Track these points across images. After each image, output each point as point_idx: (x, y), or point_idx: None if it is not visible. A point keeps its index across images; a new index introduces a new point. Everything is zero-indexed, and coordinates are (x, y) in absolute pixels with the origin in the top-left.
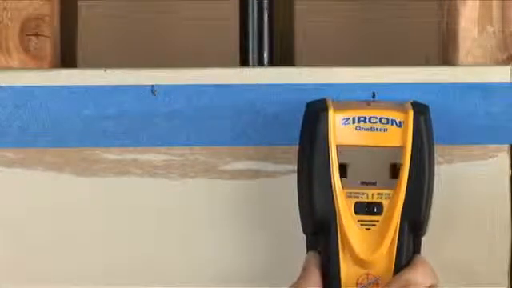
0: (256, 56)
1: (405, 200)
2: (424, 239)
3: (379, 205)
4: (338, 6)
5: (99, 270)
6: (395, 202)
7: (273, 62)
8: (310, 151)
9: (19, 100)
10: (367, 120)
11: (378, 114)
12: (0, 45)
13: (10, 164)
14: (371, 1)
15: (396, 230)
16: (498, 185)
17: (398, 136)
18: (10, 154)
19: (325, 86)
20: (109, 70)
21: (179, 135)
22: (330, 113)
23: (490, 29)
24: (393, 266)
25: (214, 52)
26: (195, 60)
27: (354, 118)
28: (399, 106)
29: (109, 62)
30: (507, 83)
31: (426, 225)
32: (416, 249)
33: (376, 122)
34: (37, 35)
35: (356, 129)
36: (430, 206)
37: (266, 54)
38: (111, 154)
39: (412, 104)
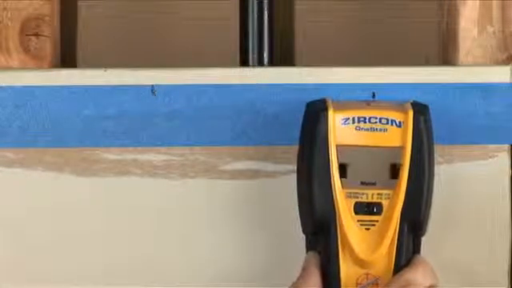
0: (256, 56)
1: (404, 200)
2: (424, 239)
3: (379, 205)
4: (338, 5)
5: (99, 270)
6: (395, 202)
7: (273, 62)
8: (309, 151)
9: (19, 100)
10: (367, 120)
11: (378, 114)
12: (0, 45)
13: (10, 164)
14: (371, 1)
15: (396, 230)
16: (498, 185)
17: (397, 136)
18: (10, 154)
19: (325, 86)
20: (109, 70)
21: (179, 135)
22: (330, 113)
23: (490, 29)
24: (392, 266)
25: (214, 52)
26: (195, 60)
27: (353, 118)
28: (399, 106)
29: (109, 62)
30: (507, 83)
31: (426, 225)
32: (416, 249)
33: (376, 122)
34: (37, 35)
35: (356, 129)
36: (430, 206)
37: (266, 54)
38: (111, 154)
39: (412, 104)
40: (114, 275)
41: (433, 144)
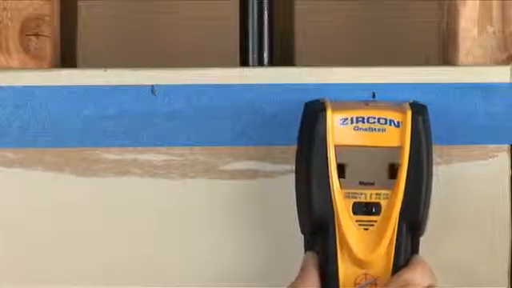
0: (256, 56)
1: (403, 200)
2: (424, 239)
3: (377, 205)
4: (338, 5)
5: (99, 270)
6: (393, 202)
7: (273, 62)
8: (308, 151)
9: (19, 100)
10: (365, 120)
11: (377, 114)
12: (0, 45)
13: (10, 164)
14: (371, 1)
15: (394, 230)
16: (498, 185)
17: (396, 136)
18: (10, 154)
19: (325, 86)
20: (109, 70)
21: (179, 135)
22: (329, 113)
23: (490, 29)
24: (391, 266)
25: (214, 52)
26: (195, 60)
27: (352, 119)
28: (397, 107)
29: (109, 62)
30: (507, 83)
31: (425, 225)
32: (414, 249)
33: (374, 123)
34: (37, 35)
35: (354, 129)
36: (428, 206)
37: (266, 54)
38: (111, 154)
39: (410, 104)
40: (114, 275)
41: (431, 144)
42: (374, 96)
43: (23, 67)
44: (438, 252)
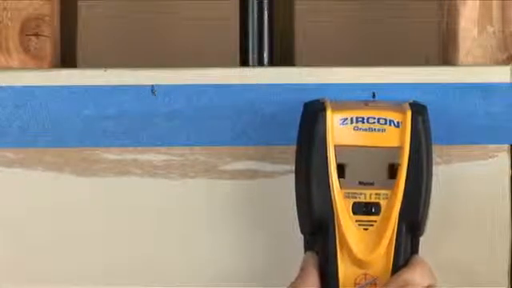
0: (256, 56)
1: (402, 200)
2: (424, 240)
3: (377, 205)
4: (338, 5)
5: (99, 270)
6: (393, 202)
7: (273, 62)
8: (307, 151)
9: (19, 100)
10: (365, 120)
11: (376, 114)
12: (0, 45)
13: (10, 164)
14: (371, 1)
15: (394, 231)
16: (498, 185)
17: (395, 136)
18: (10, 154)
19: (325, 86)
20: (109, 70)
21: (179, 135)
22: (328, 113)
23: (490, 29)
24: (390, 266)
25: (214, 52)
26: (195, 60)
27: (351, 119)
28: (397, 107)
29: (109, 62)
30: (507, 83)
31: (424, 225)
32: (414, 249)
33: (374, 123)
34: (37, 35)
35: (354, 129)
36: (428, 206)
37: (266, 54)
38: (111, 154)
39: (410, 104)
40: (114, 275)
41: (431, 144)
42: (374, 96)
43: (23, 67)
44: (438, 252)
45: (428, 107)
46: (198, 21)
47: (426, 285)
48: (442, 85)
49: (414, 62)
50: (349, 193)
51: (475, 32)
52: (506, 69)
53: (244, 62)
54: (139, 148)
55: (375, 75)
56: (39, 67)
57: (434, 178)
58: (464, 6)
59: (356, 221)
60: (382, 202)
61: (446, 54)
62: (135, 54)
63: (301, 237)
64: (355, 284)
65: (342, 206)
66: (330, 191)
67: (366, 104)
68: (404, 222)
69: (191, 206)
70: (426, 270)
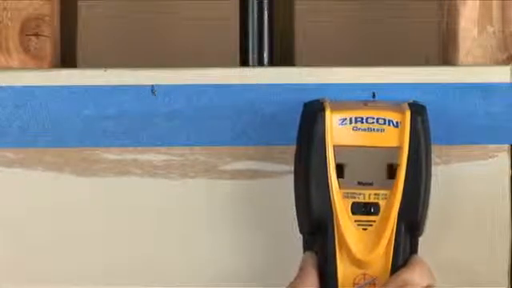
0: (256, 56)
1: (401, 200)
2: (423, 240)
3: (376, 205)
4: (338, 5)
5: (99, 270)
6: (392, 202)
7: (273, 62)
8: (307, 151)
9: (19, 100)
10: (364, 120)
11: (375, 114)
12: (0, 45)
13: (10, 164)
14: (371, 1)
15: (393, 231)
16: (498, 185)
17: (395, 136)
18: (10, 154)
19: (325, 86)
20: (109, 70)
21: (179, 135)
22: (327, 113)
23: (490, 29)
24: (390, 266)
25: (214, 52)
26: (195, 60)
27: (351, 119)
28: (396, 107)
29: (109, 62)
30: (507, 83)
31: (423, 225)
32: (413, 249)
33: (373, 123)
34: (37, 35)
35: (353, 129)
36: (427, 206)
37: (266, 54)
38: (111, 154)
39: (409, 104)
40: (114, 275)
41: (430, 144)
42: (374, 96)
43: (23, 67)
44: (438, 252)
45: (428, 107)
46: (198, 21)
47: (425, 285)
48: (442, 85)
49: (414, 62)
50: (348, 193)
51: (475, 32)
52: (506, 69)
53: (244, 62)
54: (139, 148)
55: (375, 75)
56: (39, 67)
57: (434, 178)
58: (464, 5)
59: (355, 221)
60: (381, 202)
61: (446, 54)
62: (135, 54)
63: (300, 237)
64: (354, 284)
65: (341, 206)
66: (329, 191)
67: (365, 104)
68: (403, 222)
69: (191, 205)
70: (425, 269)
